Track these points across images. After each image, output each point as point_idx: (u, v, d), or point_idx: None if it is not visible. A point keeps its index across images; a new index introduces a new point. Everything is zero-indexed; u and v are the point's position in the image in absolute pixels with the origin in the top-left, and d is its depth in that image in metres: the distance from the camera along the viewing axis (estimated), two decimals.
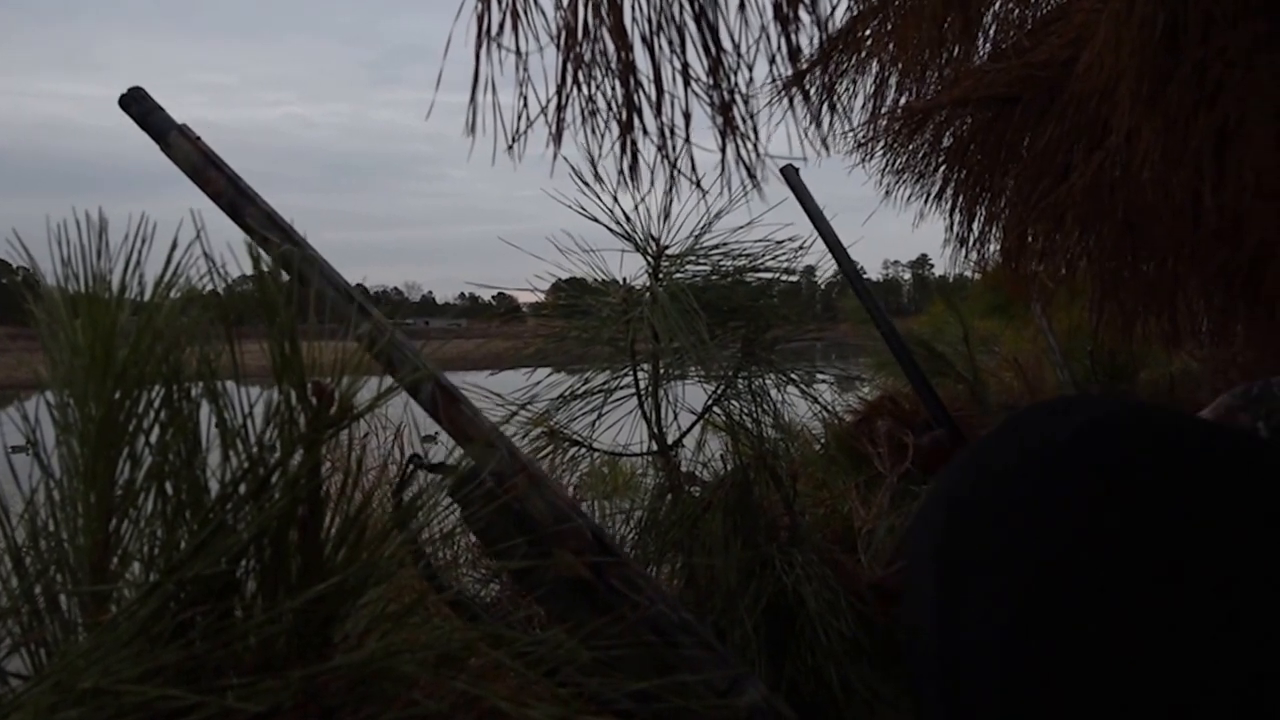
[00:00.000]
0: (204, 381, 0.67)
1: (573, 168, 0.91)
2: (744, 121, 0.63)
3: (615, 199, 1.24)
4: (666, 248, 1.32)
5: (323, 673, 0.63)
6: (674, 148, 0.66)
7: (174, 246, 0.68)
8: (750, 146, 0.65)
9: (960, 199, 1.44)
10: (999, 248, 1.53)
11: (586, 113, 0.71)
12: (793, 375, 1.37)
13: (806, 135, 0.80)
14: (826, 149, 0.79)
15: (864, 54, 1.31)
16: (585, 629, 0.77)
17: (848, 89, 1.37)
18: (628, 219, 1.29)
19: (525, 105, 0.72)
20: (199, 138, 0.83)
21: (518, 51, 0.71)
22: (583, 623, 0.79)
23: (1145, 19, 0.66)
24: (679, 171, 0.67)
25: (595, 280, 1.38)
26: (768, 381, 1.37)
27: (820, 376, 1.60)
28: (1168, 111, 0.65)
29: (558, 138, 0.70)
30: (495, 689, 0.65)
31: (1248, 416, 1.16)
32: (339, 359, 0.65)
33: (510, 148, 0.72)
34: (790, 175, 1.63)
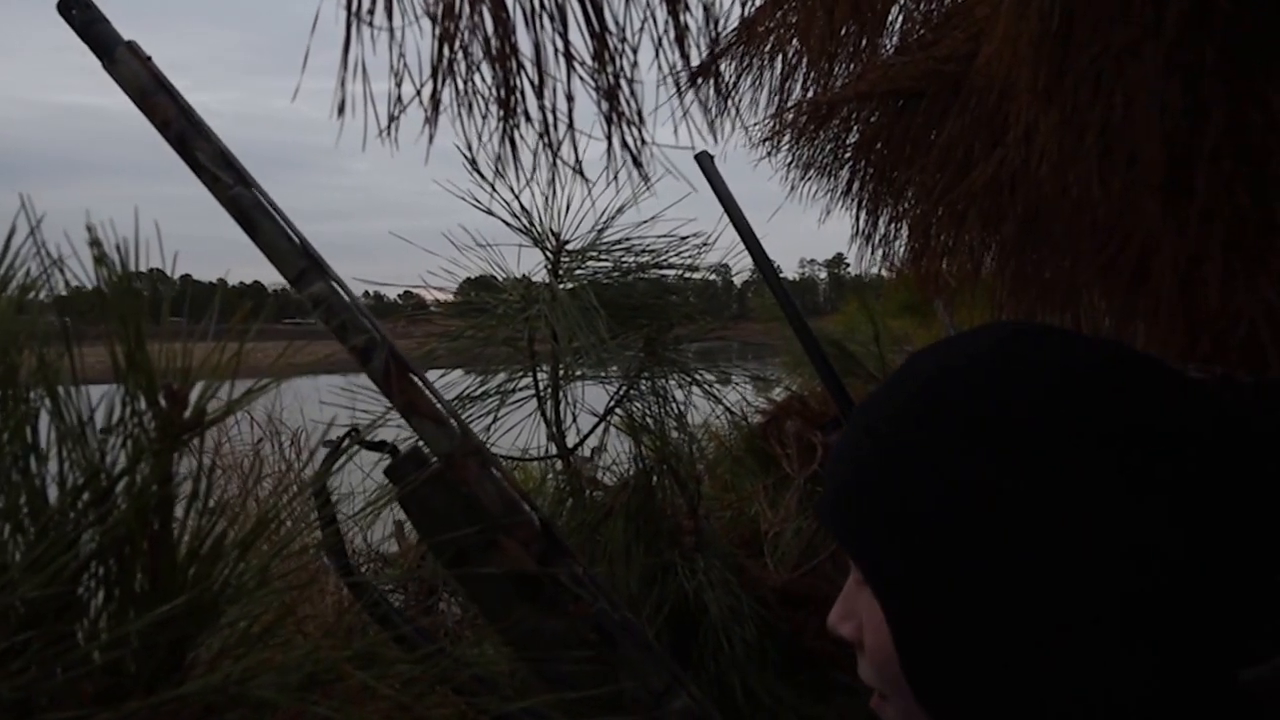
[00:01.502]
0: (44, 385, 0.61)
1: (466, 157, 0.86)
2: (629, 106, 0.60)
3: (513, 191, 1.20)
4: (567, 243, 1.28)
5: (171, 700, 0.58)
6: (557, 132, 0.63)
7: (10, 236, 0.62)
8: (636, 134, 0.62)
9: (866, 196, 1.43)
10: (905, 245, 1.52)
11: (466, 94, 0.67)
12: (696, 375, 1.34)
13: (710, 127, 0.77)
14: (716, 138, 0.76)
15: (769, 47, 1.28)
16: (525, 627, 0.73)
17: (754, 83, 1.34)
18: (525, 212, 1.25)
19: (400, 88, 0.68)
20: (150, 58, 0.74)
21: (390, 31, 0.67)
22: (521, 620, 0.75)
23: (1042, 11, 0.65)
24: (560, 160, 0.63)
25: (500, 278, 1.33)
26: (671, 382, 1.34)
27: (733, 377, 1.58)
28: (1064, 105, 0.64)
29: (433, 120, 0.66)
30: (362, 711, 0.61)
31: None
32: (188, 360, 0.60)
33: (383, 133, 0.68)
34: (704, 163, 1.57)
